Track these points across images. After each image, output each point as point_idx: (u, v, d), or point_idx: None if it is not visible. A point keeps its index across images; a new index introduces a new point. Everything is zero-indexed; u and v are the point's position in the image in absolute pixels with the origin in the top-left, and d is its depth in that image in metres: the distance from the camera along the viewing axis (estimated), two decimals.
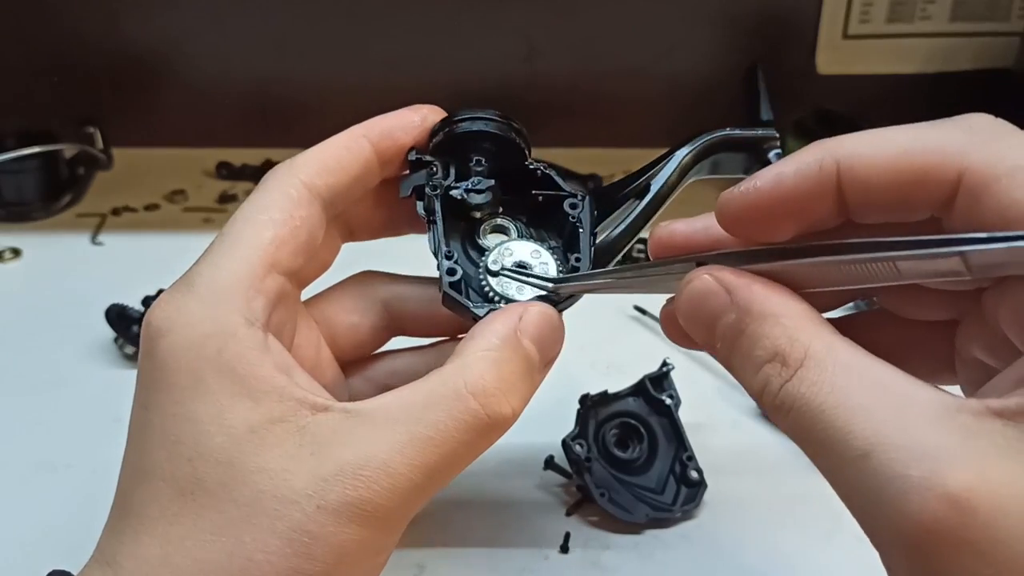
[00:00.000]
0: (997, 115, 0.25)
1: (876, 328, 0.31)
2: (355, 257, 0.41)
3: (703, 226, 0.30)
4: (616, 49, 0.83)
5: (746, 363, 0.27)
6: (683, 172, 0.37)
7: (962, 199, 0.24)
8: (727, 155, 0.37)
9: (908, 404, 0.23)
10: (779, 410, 0.25)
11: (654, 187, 0.37)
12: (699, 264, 0.29)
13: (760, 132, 0.37)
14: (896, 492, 0.21)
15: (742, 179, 0.28)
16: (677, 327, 0.30)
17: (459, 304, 0.34)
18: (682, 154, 0.37)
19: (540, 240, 0.37)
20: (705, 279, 0.28)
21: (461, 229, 0.37)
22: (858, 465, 0.22)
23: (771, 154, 0.36)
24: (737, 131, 0.37)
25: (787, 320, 0.26)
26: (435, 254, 0.36)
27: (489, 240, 0.37)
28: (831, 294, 0.29)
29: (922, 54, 0.83)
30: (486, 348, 0.31)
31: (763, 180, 0.27)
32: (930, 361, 0.30)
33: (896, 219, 0.26)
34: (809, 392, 0.24)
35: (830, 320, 0.31)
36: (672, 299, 0.30)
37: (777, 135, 0.37)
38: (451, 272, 0.35)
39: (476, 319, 0.34)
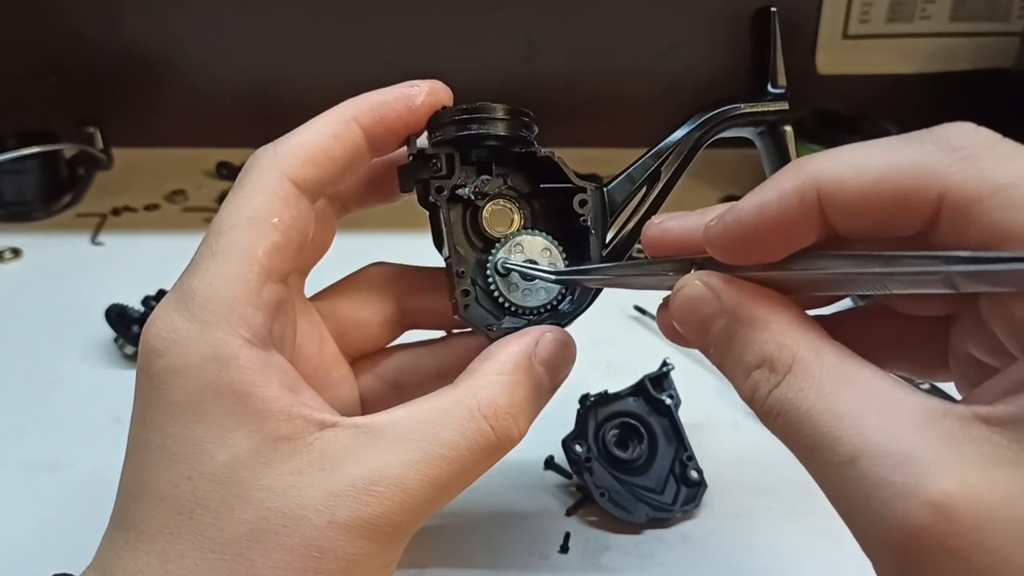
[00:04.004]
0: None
1: (872, 323, 0.31)
2: (361, 250, 0.41)
3: (695, 225, 0.30)
4: (616, 49, 0.83)
5: (736, 368, 0.27)
6: (692, 152, 0.36)
7: (945, 219, 0.24)
8: (737, 130, 0.37)
9: (894, 409, 0.22)
10: (768, 415, 0.25)
11: (664, 173, 0.36)
12: (695, 265, 0.29)
13: (773, 106, 0.36)
14: (881, 498, 0.21)
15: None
16: (673, 327, 0.30)
17: (474, 324, 0.35)
18: (690, 133, 0.36)
19: (547, 232, 0.36)
20: (696, 285, 0.28)
21: (461, 213, 0.36)
22: (844, 471, 0.22)
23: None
24: (746, 106, 0.36)
25: (775, 326, 0.26)
26: (439, 248, 0.36)
27: (494, 229, 0.36)
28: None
29: (922, 54, 0.83)
30: (500, 371, 0.32)
31: (746, 212, 0.26)
32: (926, 357, 0.30)
33: (883, 235, 0.26)
34: (797, 398, 0.24)
35: (826, 316, 0.31)
36: (667, 299, 0.30)
37: (787, 107, 0.36)
38: (465, 293, 0.35)
39: (490, 338, 0.34)
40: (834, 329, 0.26)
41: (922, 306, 0.29)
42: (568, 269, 0.35)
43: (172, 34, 0.81)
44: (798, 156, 0.33)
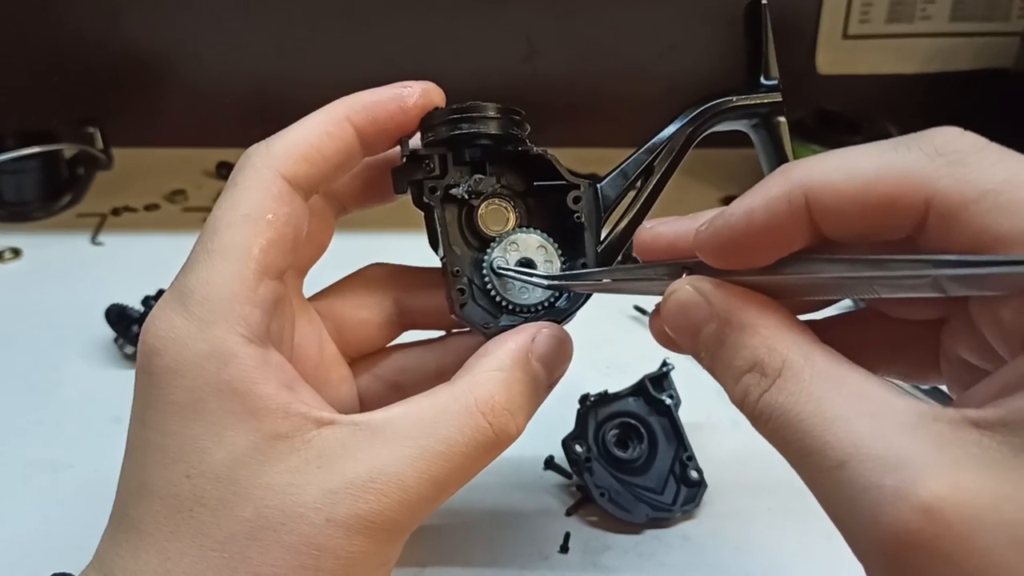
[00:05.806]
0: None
1: (863, 327, 0.31)
2: (360, 251, 0.41)
3: (686, 230, 0.30)
4: (616, 49, 0.83)
5: (727, 372, 0.27)
6: (686, 146, 0.36)
7: (933, 225, 0.24)
8: (730, 123, 0.36)
9: (884, 413, 0.22)
10: (758, 419, 0.25)
11: (657, 169, 0.36)
12: (686, 270, 0.29)
13: (765, 98, 0.36)
14: (870, 502, 0.21)
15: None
16: (665, 332, 0.30)
17: (471, 323, 0.35)
18: (682, 127, 0.36)
19: (541, 229, 0.36)
20: (687, 290, 0.28)
21: (457, 212, 0.36)
22: (835, 475, 0.22)
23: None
24: (738, 98, 0.36)
25: (765, 330, 0.26)
26: (434, 248, 0.36)
27: (490, 229, 0.36)
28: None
29: (922, 54, 0.83)
30: (497, 368, 0.32)
31: (735, 217, 0.26)
32: (917, 360, 0.30)
33: (872, 239, 0.26)
34: (787, 402, 0.24)
35: (817, 320, 0.31)
36: (659, 305, 0.30)
37: (780, 98, 0.36)
38: (461, 292, 0.35)
39: (487, 336, 0.34)
40: (825, 333, 0.26)
41: (913, 310, 0.29)
42: (560, 274, 0.36)
43: (172, 34, 0.81)
44: (796, 155, 0.33)
